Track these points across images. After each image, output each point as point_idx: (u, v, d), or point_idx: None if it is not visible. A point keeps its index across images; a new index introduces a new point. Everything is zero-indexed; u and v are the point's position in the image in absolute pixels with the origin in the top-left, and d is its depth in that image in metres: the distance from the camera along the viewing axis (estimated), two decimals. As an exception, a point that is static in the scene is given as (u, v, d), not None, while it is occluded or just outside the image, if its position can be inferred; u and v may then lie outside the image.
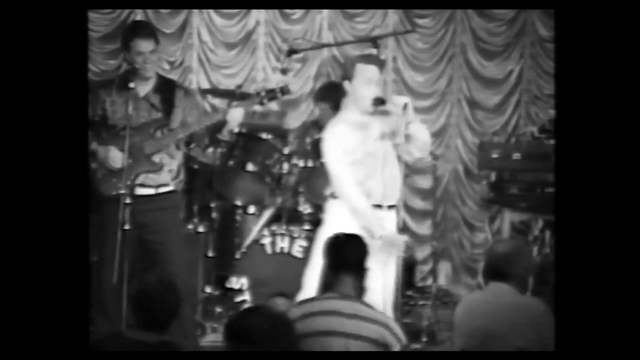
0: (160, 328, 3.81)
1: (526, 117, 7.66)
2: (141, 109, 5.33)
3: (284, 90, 5.40)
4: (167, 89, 5.41)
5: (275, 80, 7.40)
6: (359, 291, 4.10)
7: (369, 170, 5.03)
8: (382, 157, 5.05)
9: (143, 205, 5.24)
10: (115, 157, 5.26)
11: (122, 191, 5.15)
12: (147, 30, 5.44)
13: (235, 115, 5.29)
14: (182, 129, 5.34)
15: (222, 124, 5.32)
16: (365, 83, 5.02)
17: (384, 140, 5.06)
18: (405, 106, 4.93)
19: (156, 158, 5.34)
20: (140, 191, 5.27)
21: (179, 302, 3.88)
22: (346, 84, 5.09)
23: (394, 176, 5.12)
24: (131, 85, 5.24)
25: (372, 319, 4.00)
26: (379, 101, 4.98)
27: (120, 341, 3.84)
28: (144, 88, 5.33)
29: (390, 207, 5.13)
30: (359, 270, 4.12)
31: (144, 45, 5.28)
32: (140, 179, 5.28)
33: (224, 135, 5.38)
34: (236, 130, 5.50)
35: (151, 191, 5.32)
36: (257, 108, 7.33)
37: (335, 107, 6.48)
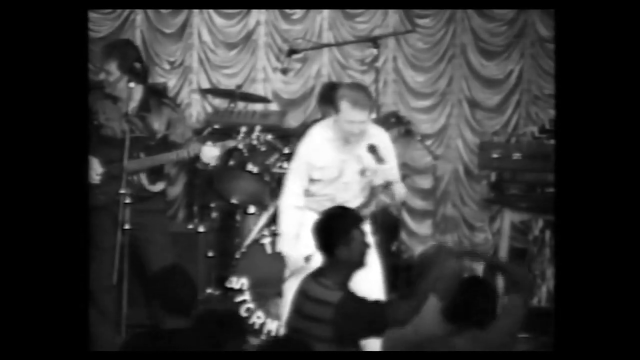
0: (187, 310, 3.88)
1: (526, 117, 7.65)
2: (124, 126, 5.29)
3: (260, 140, 5.45)
4: (153, 104, 5.37)
5: (280, 83, 7.43)
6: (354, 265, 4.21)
7: (333, 192, 5.10)
8: (354, 188, 5.13)
9: (131, 206, 5.23)
10: (95, 169, 5.25)
11: (122, 191, 5.16)
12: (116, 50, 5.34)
13: (209, 154, 5.31)
14: (160, 158, 5.33)
15: (195, 158, 5.33)
16: (349, 123, 5.01)
17: (360, 175, 5.10)
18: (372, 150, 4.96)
19: (136, 178, 5.32)
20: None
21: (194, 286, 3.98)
22: (334, 115, 5.13)
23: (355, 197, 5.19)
24: (131, 85, 5.24)
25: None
26: (371, 149, 5.00)
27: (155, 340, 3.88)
28: (129, 104, 5.28)
29: None
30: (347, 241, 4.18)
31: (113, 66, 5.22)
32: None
33: (200, 166, 5.42)
34: (211, 165, 5.49)
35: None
36: (257, 107, 7.37)
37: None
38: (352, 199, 5.12)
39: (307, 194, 5.20)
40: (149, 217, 5.32)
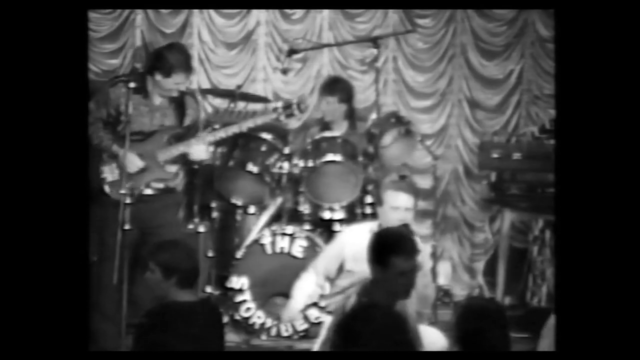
0: (192, 284, 4.24)
1: (526, 117, 7.65)
2: (155, 117, 5.42)
3: (301, 108, 5.59)
4: (178, 97, 5.52)
5: (280, 83, 7.43)
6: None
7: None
8: None
9: (145, 204, 5.32)
10: (134, 161, 5.34)
11: (122, 191, 5.19)
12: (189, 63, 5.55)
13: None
14: (196, 141, 5.50)
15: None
16: (393, 210, 5.06)
17: None
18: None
19: (170, 167, 5.45)
20: (146, 191, 5.42)
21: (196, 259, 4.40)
22: (378, 209, 5.21)
23: None
24: (131, 85, 5.29)
25: None
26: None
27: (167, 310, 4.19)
28: (159, 97, 5.46)
29: None
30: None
31: (184, 78, 5.44)
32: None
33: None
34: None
35: (153, 191, 5.42)
36: (257, 107, 7.36)
37: (342, 100, 6.50)
38: None
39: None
40: (162, 213, 5.42)
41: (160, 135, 5.48)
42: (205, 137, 5.56)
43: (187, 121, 5.58)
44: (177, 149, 5.50)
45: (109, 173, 5.42)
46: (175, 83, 5.40)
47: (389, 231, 4.52)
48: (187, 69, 5.46)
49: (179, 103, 5.54)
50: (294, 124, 7.22)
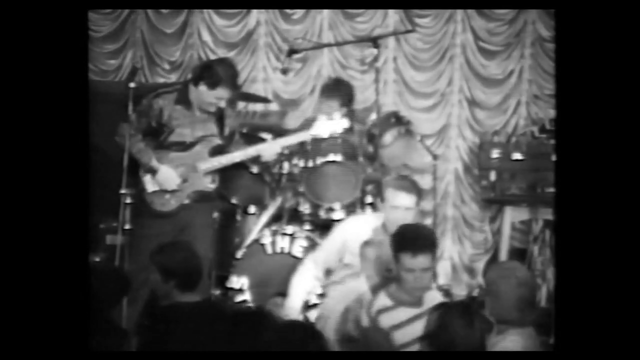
0: (193, 286, 4.23)
1: (526, 117, 7.65)
2: (196, 128, 5.48)
3: (343, 120, 5.68)
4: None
5: (280, 83, 7.43)
6: None
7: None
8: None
9: (185, 212, 5.50)
10: (173, 178, 5.36)
11: (123, 191, 5.20)
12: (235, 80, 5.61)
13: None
14: (238, 155, 5.58)
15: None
16: (393, 209, 5.05)
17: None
18: None
19: (208, 176, 5.49)
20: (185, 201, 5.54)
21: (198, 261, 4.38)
22: (380, 205, 5.21)
23: None
24: (131, 85, 5.31)
25: None
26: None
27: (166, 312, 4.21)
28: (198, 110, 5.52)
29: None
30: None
31: (227, 94, 5.48)
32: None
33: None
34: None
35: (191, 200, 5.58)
36: (257, 107, 7.37)
37: (343, 104, 6.50)
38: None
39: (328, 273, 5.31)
40: (199, 217, 5.57)
41: (201, 146, 5.51)
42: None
43: (227, 131, 5.62)
44: (219, 160, 5.55)
45: (150, 184, 5.44)
46: (216, 97, 5.42)
47: (405, 228, 4.55)
48: (233, 85, 5.49)
49: (219, 114, 5.56)
50: (293, 124, 7.24)
